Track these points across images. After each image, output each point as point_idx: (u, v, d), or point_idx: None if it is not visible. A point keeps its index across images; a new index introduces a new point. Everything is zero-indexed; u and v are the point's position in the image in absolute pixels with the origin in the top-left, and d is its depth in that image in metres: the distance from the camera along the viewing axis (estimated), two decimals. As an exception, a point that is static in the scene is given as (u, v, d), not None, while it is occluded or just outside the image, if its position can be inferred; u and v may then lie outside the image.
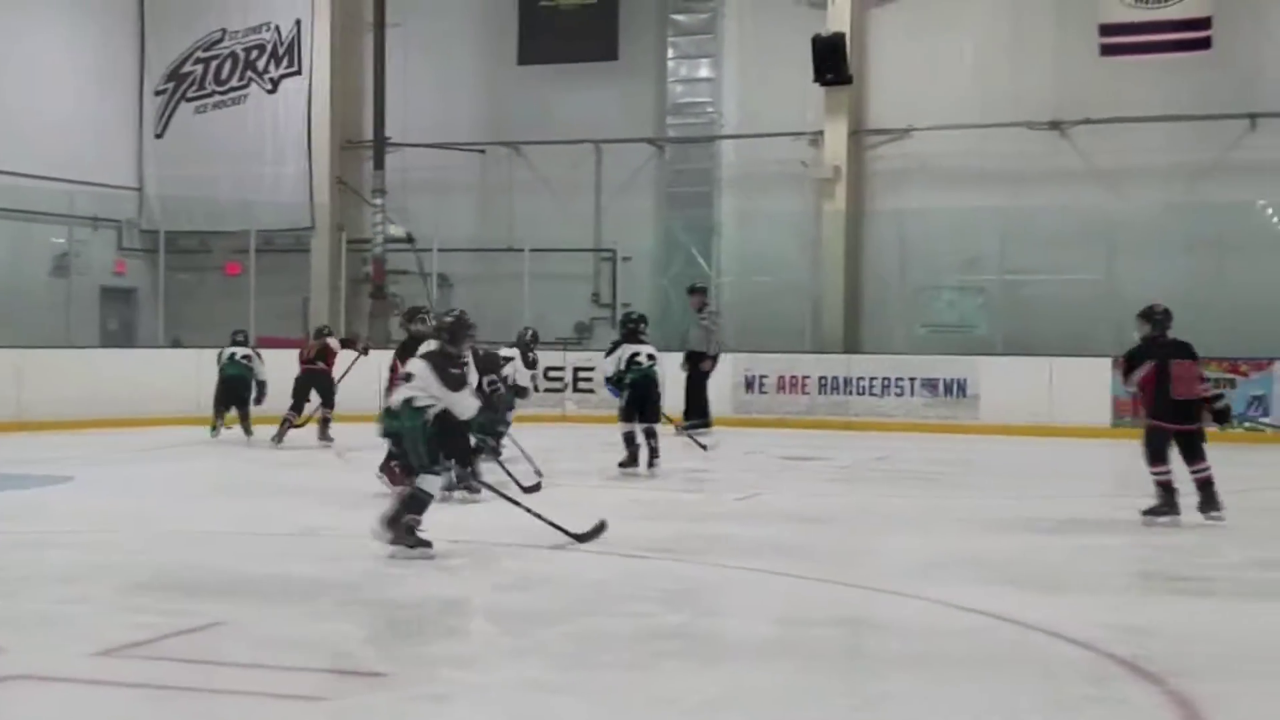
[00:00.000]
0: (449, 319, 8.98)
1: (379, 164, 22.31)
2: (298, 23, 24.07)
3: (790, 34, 21.42)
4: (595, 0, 22.55)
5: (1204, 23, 19.20)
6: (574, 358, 20.79)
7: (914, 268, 20.95)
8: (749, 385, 19.69)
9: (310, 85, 23.96)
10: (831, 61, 20.65)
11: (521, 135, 23.36)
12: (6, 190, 20.93)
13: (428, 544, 8.35)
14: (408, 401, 8.48)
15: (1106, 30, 19.63)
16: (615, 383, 13.28)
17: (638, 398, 13.12)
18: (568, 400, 20.44)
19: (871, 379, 19.31)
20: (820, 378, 19.57)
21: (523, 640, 6.48)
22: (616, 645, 6.39)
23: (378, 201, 22.20)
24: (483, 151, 23.69)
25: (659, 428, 13.38)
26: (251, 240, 22.28)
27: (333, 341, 16.69)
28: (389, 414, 8.69)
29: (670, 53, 22.71)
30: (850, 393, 19.44)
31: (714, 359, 14.99)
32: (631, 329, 13.38)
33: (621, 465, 13.16)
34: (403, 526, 8.33)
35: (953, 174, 21.08)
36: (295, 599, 7.29)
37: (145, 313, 23.37)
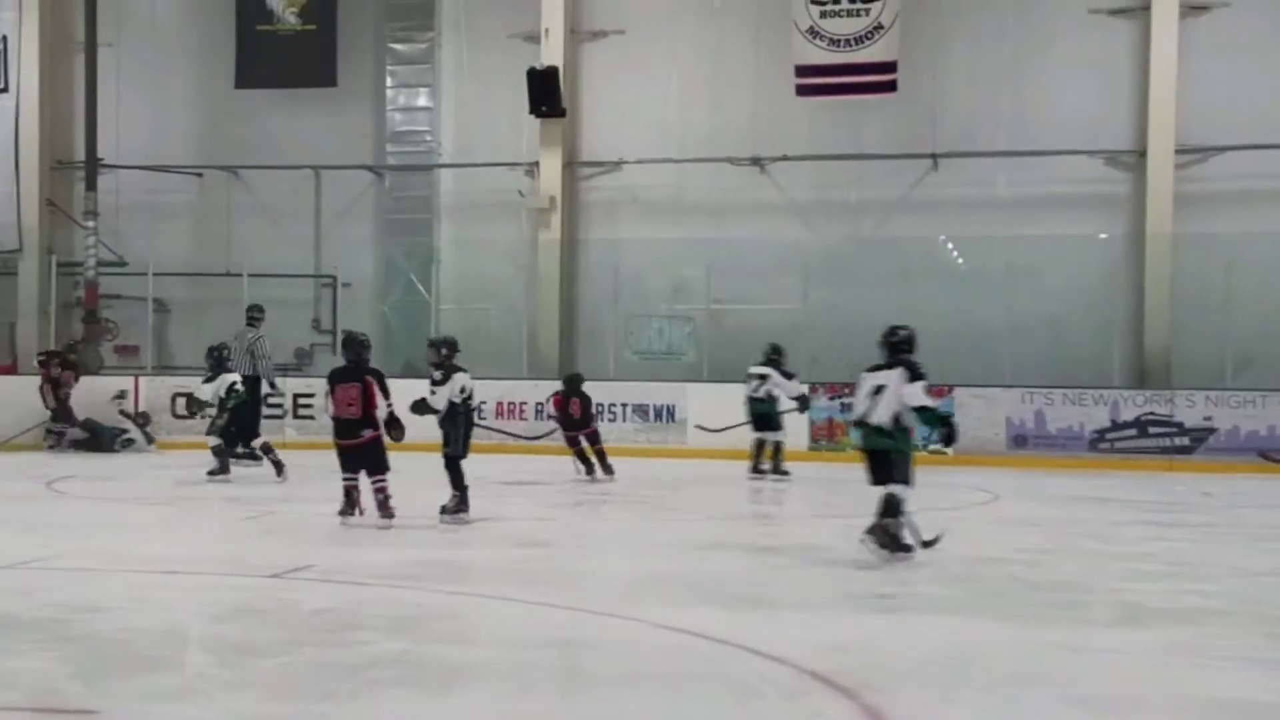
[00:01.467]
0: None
1: (91, 185, 21.44)
2: (4, 39, 22.94)
3: (506, 66, 21.53)
4: (314, 26, 22.18)
5: (890, 66, 20.02)
6: (295, 384, 20.33)
7: (626, 296, 21.25)
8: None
9: (18, 104, 22.85)
10: (546, 94, 20.83)
11: (240, 159, 22.81)
12: None
13: (909, 548, 9.30)
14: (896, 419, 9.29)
15: (801, 71, 20.31)
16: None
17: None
18: (288, 427, 19.97)
19: (586, 404, 19.52)
20: (537, 403, 19.65)
21: (240, 672, 6.32)
22: (336, 675, 6.28)
23: (90, 224, 21.32)
24: (200, 175, 23.02)
25: None
26: (-45, 262, 21.12)
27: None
28: (878, 432, 9.35)
29: (389, 80, 22.54)
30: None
31: None
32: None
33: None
34: (889, 532, 9.23)
35: (661, 206, 21.54)
36: (3, 634, 6.94)
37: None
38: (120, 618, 7.48)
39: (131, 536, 10.96)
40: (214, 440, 14.84)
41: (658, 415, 19.34)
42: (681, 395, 19.37)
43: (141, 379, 20.11)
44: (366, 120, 22.67)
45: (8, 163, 22.92)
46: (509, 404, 19.73)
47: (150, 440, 19.34)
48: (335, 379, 11.19)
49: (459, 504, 11.48)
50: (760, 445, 15.89)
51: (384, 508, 11.01)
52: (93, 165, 21.53)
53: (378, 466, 11.13)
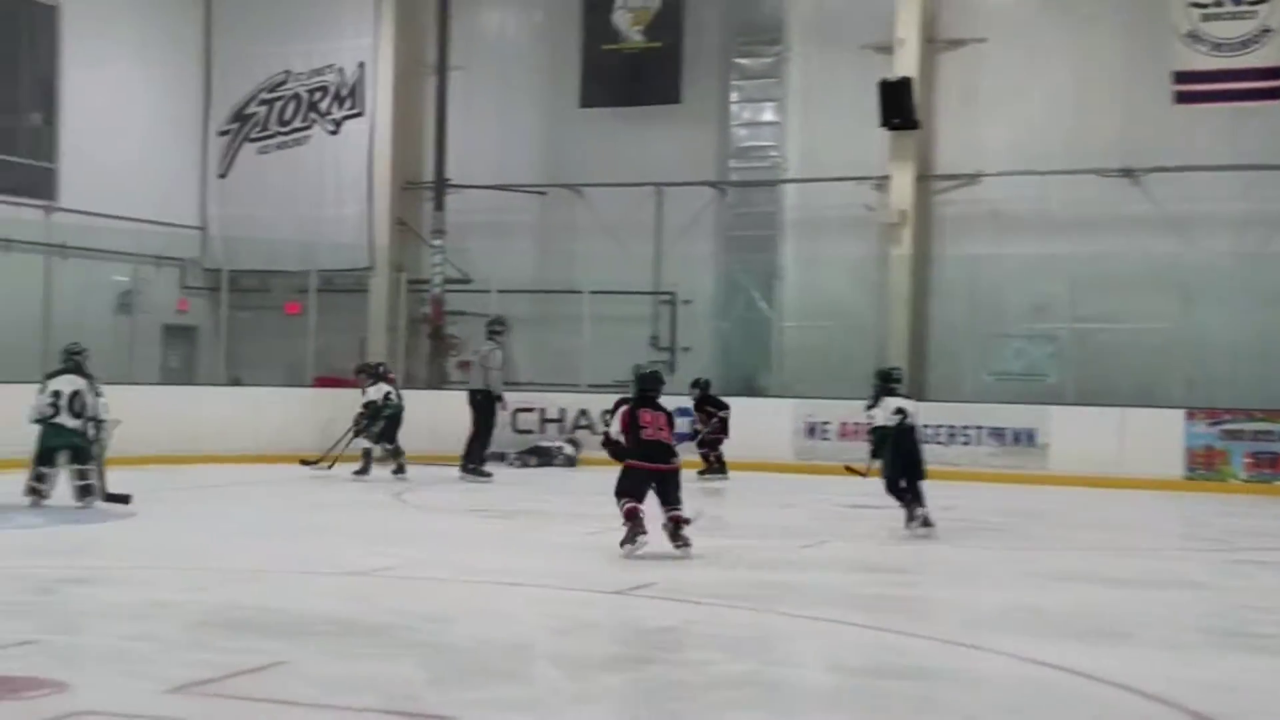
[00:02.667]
0: None
1: (439, 205, 22.51)
2: (361, 65, 24.37)
3: (855, 78, 21.49)
4: (659, 44, 22.70)
5: (1277, 72, 19.09)
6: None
7: (982, 314, 20.83)
8: (811, 431, 19.61)
9: (372, 126, 24.23)
10: (899, 106, 20.68)
11: (582, 177, 23.51)
12: (75, 229, 21.30)
13: None
14: None
15: (1182, 78, 19.56)
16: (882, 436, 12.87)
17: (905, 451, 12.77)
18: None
19: (937, 427, 19.15)
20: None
21: (588, 686, 6.48)
22: (683, 693, 6.37)
23: (437, 243, 22.37)
24: (543, 193, 23.85)
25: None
26: (312, 280, 22.52)
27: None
28: None
29: (734, 96, 22.82)
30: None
31: None
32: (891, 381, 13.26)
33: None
34: None
35: (1022, 220, 21.04)
36: (356, 639, 7.33)
37: (206, 351, 23.64)
38: (468, 627, 7.79)
39: (475, 549, 11.41)
40: (365, 443, 17.13)
41: (1015, 439, 18.85)
42: (1043, 419, 18.84)
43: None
44: (710, 136, 23.01)
45: (361, 184, 24.32)
46: (854, 425, 19.56)
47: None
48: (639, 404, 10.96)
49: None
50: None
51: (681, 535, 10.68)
52: (441, 185, 22.61)
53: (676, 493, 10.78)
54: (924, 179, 21.53)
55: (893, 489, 12.62)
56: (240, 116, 25.05)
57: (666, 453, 10.72)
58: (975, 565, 11.10)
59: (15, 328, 19.19)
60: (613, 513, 13.87)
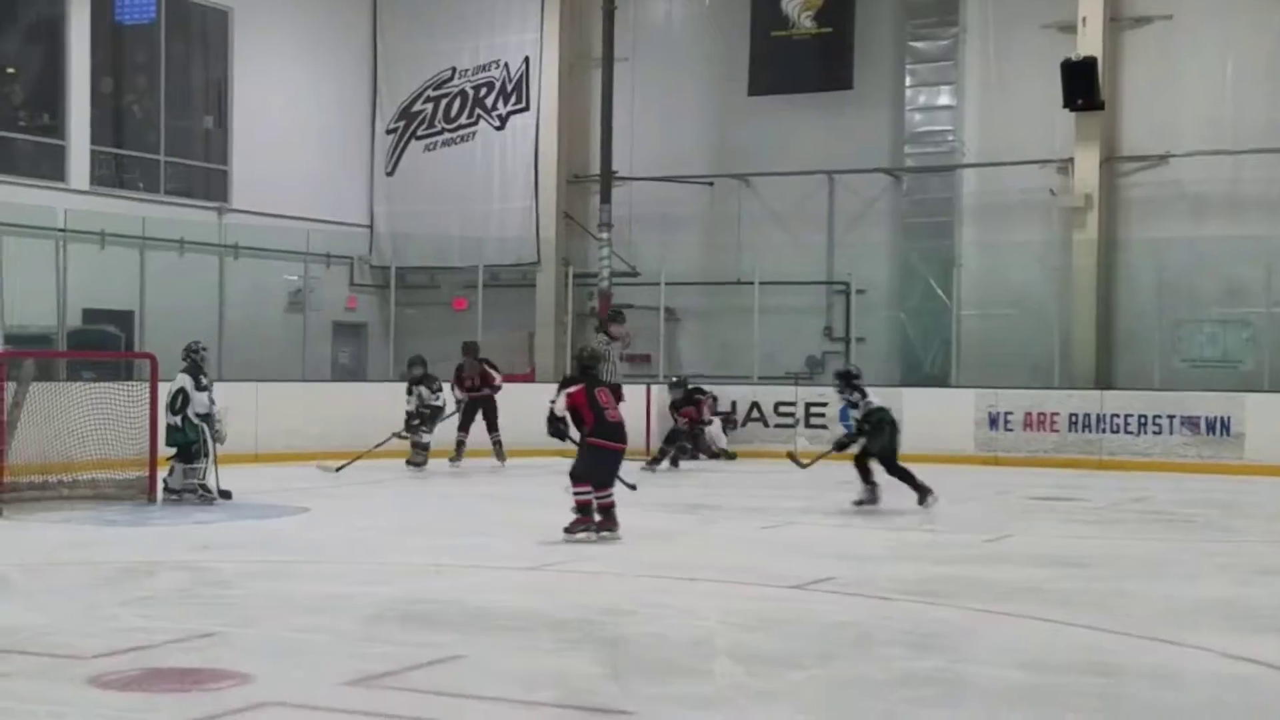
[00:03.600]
0: None
1: (605, 198, 22.63)
2: (526, 60, 24.60)
3: (1035, 59, 21.10)
4: (830, 29, 22.53)
5: None
6: (805, 393, 20.69)
7: (1171, 299, 20.32)
8: (993, 422, 19.28)
9: (538, 121, 24.44)
10: (1083, 86, 20.23)
11: (751, 167, 23.44)
12: (247, 230, 21.90)
13: None
14: None
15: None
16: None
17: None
18: (799, 436, 20.33)
19: (1126, 415, 18.74)
20: (1070, 414, 19.07)
21: (771, 683, 6.44)
22: (869, 691, 6.31)
23: (604, 236, 22.51)
24: (711, 184, 23.83)
25: None
26: (479, 275, 22.82)
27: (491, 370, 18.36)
28: None
29: (908, 80, 22.55)
30: (1103, 430, 18.87)
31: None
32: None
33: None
34: None
35: (1212, 201, 20.46)
36: (533, 633, 7.40)
37: (375, 347, 24.10)
38: (645, 623, 7.80)
39: (651, 542, 11.43)
40: (428, 438, 17.49)
41: (1209, 428, 18.31)
42: (1239, 407, 18.29)
43: (653, 387, 20.98)
44: (883, 122, 22.78)
45: (528, 179, 24.56)
46: (1039, 415, 19.24)
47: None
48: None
49: None
50: None
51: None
52: (607, 178, 22.73)
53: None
54: (1109, 161, 21.06)
55: (895, 470, 13.36)
56: (407, 114, 25.48)
57: (623, 434, 11.12)
58: (1169, 558, 10.81)
59: (191, 328, 19.70)
60: (788, 507, 13.88)
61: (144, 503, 13.07)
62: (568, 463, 11.37)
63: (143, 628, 7.40)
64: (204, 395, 13.31)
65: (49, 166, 20.43)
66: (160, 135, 21.99)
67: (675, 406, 19.55)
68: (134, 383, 13.95)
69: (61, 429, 13.05)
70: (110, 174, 21.46)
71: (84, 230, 19.71)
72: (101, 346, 19.37)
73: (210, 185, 22.68)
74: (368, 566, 9.60)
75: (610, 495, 10.93)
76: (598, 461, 10.89)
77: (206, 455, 13.28)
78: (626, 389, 18.40)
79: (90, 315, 19.82)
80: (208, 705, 5.77)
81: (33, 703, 5.84)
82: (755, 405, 20.70)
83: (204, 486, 13.22)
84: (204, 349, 13.77)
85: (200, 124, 23.21)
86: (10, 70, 20.97)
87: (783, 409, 20.47)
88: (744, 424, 20.71)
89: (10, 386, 13.03)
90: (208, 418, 13.27)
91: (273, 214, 22.42)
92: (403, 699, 5.96)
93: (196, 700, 5.85)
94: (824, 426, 20.08)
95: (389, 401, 18.02)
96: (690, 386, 19.99)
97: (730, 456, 19.85)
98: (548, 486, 15.68)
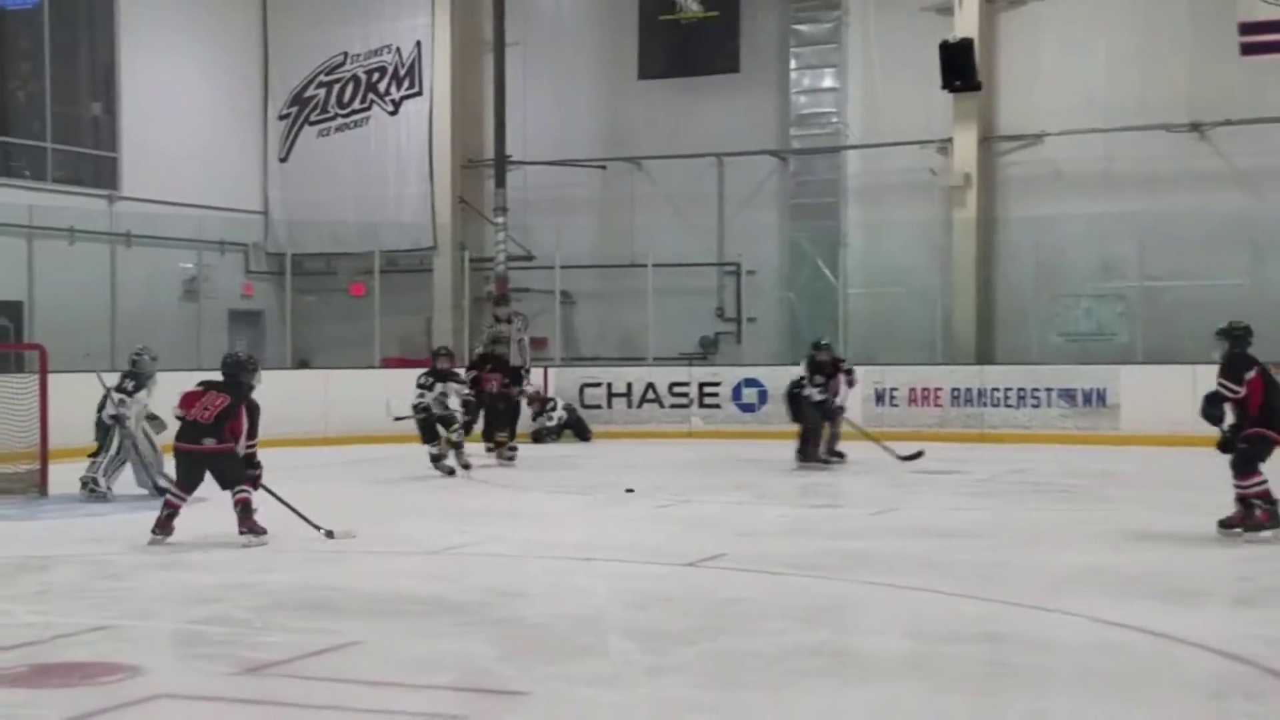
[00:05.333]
0: None
1: (500, 182, 22.52)
2: (418, 44, 24.39)
3: (915, 41, 21.31)
4: (716, 13, 22.57)
5: (1348, 19, 18.73)
6: (699, 373, 20.80)
7: (1049, 275, 20.63)
8: (879, 398, 19.49)
9: (431, 106, 24.25)
10: (960, 68, 20.45)
11: (643, 150, 23.46)
12: (139, 217, 21.52)
13: None
14: None
15: (1247, 29, 19.20)
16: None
17: None
18: (693, 416, 20.45)
19: (1006, 389, 19.01)
20: (953, 389, 19.33)
21: (662, 659, 6.48)
22: (757, 664, 6.37)
23: (499, 220, 22.41)
24: (603, 167, 23.81)
25: None
26: (375, 261, 22.62)
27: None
28: None
29: (793, 63, 22.66)
30: (985, 404, 19.16)
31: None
32: None
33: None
34: None
35: (1087, 179, 20.76)
36: (429, 618, 7.38)
37: (273, 335, 23.80)
38: (542, 603, 7.82)
39: (548, 525, 11.45)
40: (459, 436, 15.12)
41: (1086, 400, 18.65)
42: (1114, 379, 18.62)
43: (550, 370, 20.98)
44: (769, 105, 22.88)
45: (422, 164, 24.37)
46: (922, 390, 19.48)
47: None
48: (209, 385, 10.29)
49: None
50: None
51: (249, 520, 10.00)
52: (501, 163, 22.60)
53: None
54: (987, 141, 21.32)
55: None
56: (299, 100, 25.16)
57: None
58: (1048, 528, 11.00)
59: (83, 318, 19.41)
60: (686, 485, 13.96)
61: (35, 497, 12.81)
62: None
63: (34, 623, 7.28)
64: (122, 397, 12.91)
65: (-71, 155, 19.95)
66: (46, 122, 21.49)
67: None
68: (23, 375, 13.65)
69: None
70: (-4, 162, 20.99)
71: (-32, 220, 19.25)
72: (-10, 338, 18.97)
73: (100, 172, 22.20)
74: (260, 557, 9.48)
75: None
76: None
77: (105, 452, 12.94)
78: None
79: (-23, 306, 19.38)
80: (98, 699, 5.69)
81: (-80, 701, 5.72)
82: (651, 386, 20.74)
83: (94, 481, 12.90)
84: (140, 355, 13.25)
85: (88, 110, 22.71)
86: (-111, 58, 20.43)
87: (677, 389, 20.55)
88: (640, 404, 20.74)
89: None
90: (117, 419, 12.92)
91: (165, 201, 22.04)
92: (295, 686, 5.92)
93: (87, 694, 5.77)
94: (717, 406, 20.27)
95: (286, 388, 17.78)
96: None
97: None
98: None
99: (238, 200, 24.25)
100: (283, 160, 25.21)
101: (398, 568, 9.16)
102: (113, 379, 13.09)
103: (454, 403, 15.42)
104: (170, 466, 12.69)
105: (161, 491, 12.55)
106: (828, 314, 21.71)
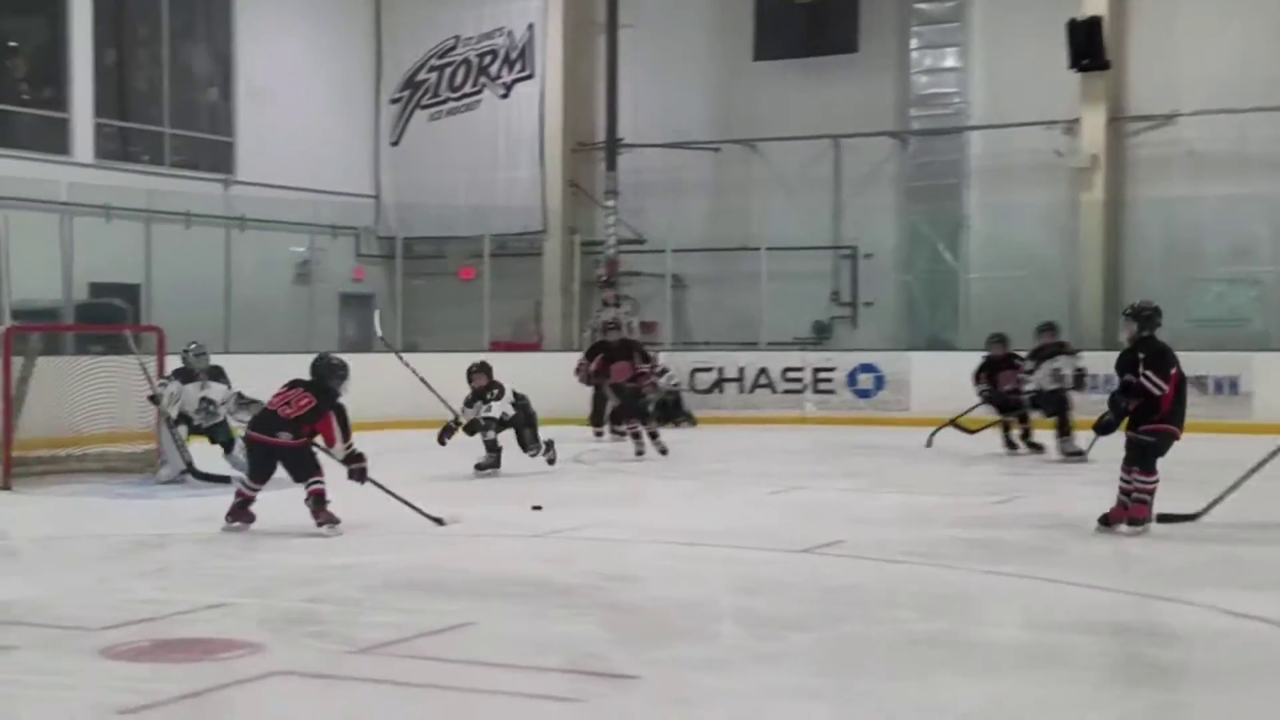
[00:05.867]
0: None
1: (611, 165, 22.60)
2: (530, 27, 24.53)
3: (1042, 19, 20.95)
4: (834, -8, 22.46)
5: None
6: (813, 358, 20.72)
7: (1179, 259, 20.29)
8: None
9: (543, 89, 24.39)
10: (1088, 46, 20.14)
11: (757, 132, 23.40)
12: (253, 202, 21.90)
13: None
14: None
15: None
16: None
17: None
18: (807, 402, 20.38)
19: (1134, 377, 18.74)
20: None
21: (774, 645, 6.48)
22: (873, 653, 6.34)
23: (610, 203, 22.48)
24: (717, 149, 23.79)
25: None
26: (485, 245, 22.79)
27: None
28: None
29: (914, 43, 22.48)
30: (1108, 390, 18.83)
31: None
32: None
33: None
34: None
35: (1221, 160, 20.33)
36: (538, 600, 7.43)
37: (382, 318, 24.01)
38: (652, 587, 7.85)
39: (658, 509, 11.47)
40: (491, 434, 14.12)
41: (1218, 388, 18.28)
42: (1246, 366, 18.24)
43: (661, 354, 20.98)
44: (888, 85, 22.72)
45: (533, 147, 24.52)
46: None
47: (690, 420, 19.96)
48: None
49: None
50: None
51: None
52: (613, 146, 22.69)
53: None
54: (1116, 121, 20.99)
55: None
56: (411, 84, 25.43)
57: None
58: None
59: (197, 301, 19.78)
60: (799, 471, 13.92)
61: (152, 475, 13.08)
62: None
63: (152, 599, 7.45)
64: (164, 381, 12.91)
65: (53, 140, 20.43)
66: (164, 107, 21.98)
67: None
68: (141, 356, 13.93)
69: (69, 403, 13.06)
70: (115, 147, 21.47)
71: (89, 204, 19.71)
72: (108, 320, 19.37)
73: (216, 157, 22.67)
74: (371, 538, 9.61)
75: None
76: None
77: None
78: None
79: (96, 289, 19.81)
80: (217, 674, 5.81)
81: (43, 674, 5.90)
82: (763, 371, 20.70)
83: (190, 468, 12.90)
84: (187, 350, 13.09)
85: (205, 96, 23.19)
86: (12, 44, 20.94)
87: (790, 374, 20.49)
88: (752, 390, 20.71)
89: (17, 362, 13.06)
90: (153, 398, 12.91)
91: (278, 185, 22.42)
92: (407, 665, 6.00)
93: (206, 669, 5.90)
94: (832, 392, 20.18)
95: (395, 372, 17.97)
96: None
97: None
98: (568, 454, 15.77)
99: (349, 184, 24.60)
100: (394, 144, 25.51)
101: (505, 550, 9.23)
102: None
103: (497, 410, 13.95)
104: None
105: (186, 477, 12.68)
106: (948, 298, 21.55)
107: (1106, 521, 9.64)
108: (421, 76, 25.39)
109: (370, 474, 10.05)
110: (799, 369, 20.52)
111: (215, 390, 12.83)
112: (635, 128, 23.41)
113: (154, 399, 12.98)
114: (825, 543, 9.19)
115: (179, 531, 10.04)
